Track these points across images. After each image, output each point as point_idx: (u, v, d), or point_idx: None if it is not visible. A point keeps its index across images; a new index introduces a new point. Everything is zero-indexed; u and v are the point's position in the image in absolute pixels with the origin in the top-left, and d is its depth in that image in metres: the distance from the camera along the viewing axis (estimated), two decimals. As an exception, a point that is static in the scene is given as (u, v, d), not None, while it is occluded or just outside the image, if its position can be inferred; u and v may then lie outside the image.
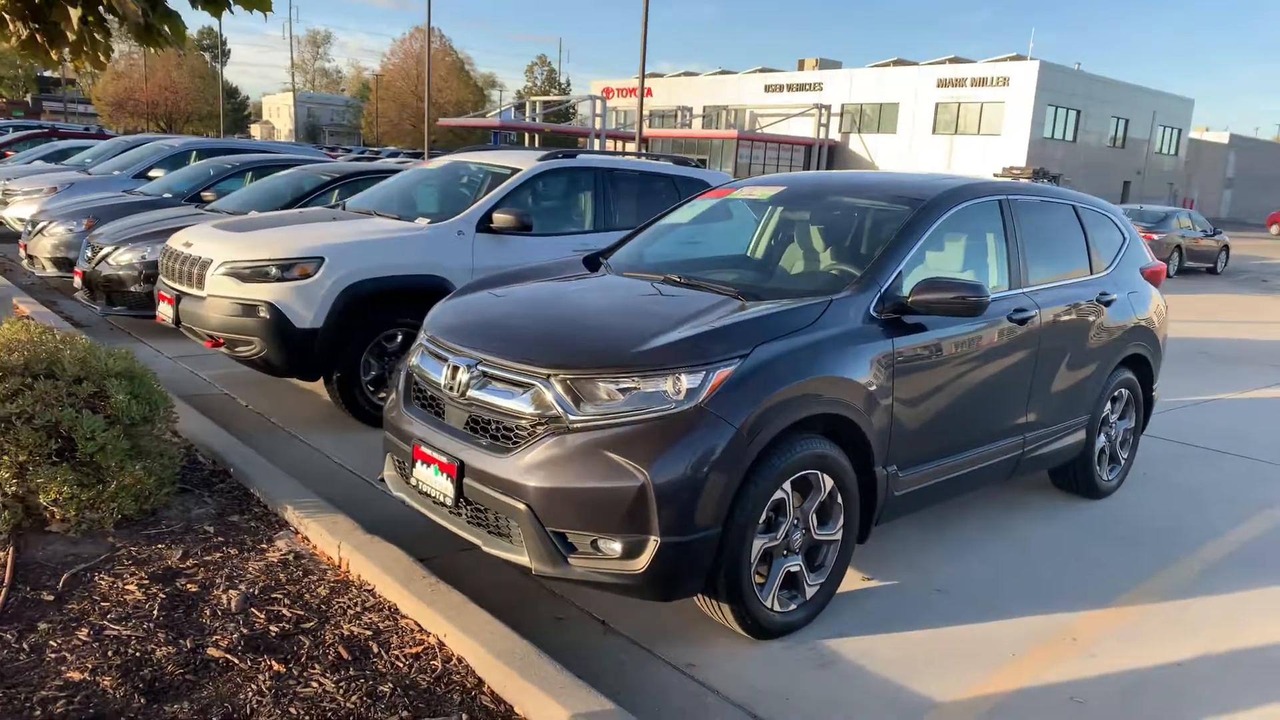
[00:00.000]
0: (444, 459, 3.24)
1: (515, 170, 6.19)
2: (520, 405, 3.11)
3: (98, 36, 2.92)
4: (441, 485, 3.27)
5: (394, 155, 36.54)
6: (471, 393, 3.25)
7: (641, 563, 2.92)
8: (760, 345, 3.14)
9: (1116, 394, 5.00)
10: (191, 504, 3.98)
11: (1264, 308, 15.41)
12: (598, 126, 46.94)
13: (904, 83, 46.69)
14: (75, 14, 2.92)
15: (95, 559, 3.40)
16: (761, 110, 51.14)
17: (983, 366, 3.97)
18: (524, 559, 3.05)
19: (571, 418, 3.01)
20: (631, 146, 46.00)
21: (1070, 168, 43.30)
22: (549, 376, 3.08)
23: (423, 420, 3.45)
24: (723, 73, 55.85)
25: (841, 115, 48.79)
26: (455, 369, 3.31)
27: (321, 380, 5.54)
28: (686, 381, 3.00)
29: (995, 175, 37.04)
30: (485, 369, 3.24)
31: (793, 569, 3.31)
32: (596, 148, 40.45)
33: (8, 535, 3.43)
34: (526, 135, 49.88)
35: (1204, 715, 3.00)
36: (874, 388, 3.43)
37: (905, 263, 3.70)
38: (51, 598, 3.09)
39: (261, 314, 5.15)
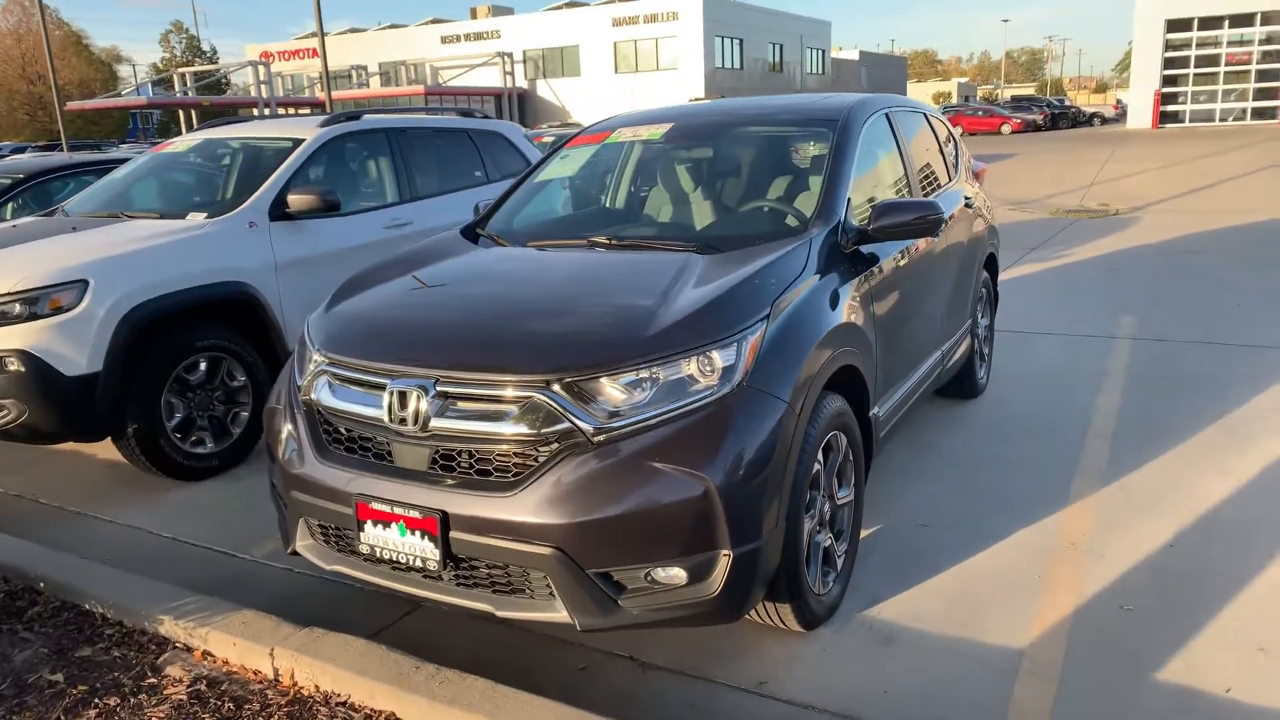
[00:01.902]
0: (414, 514, 2.49)
1: (298, 141, 5.14)
2: (513, 427, 2.44)
3: None
4: (415, 546, 2.52)
5: (20, 150, 30.88)
6: (437, 422, 2.51)
7: (714, 584, 2.42)
8: (775, 301, 2.70)
9: (981, 294, 5.14)
10: (6, 648, 2.85)
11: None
12: (265, 94, 42.77)
13: (580, 25, 46.92)
14: None
15: (-98, 774, 2.28)
16: (442, 63, 49.24)
17: (919, 285, 3.82)
18: (561, 615, 2.43)
19: (591, 429, 2.40)
20: (305, 113, 42.51)
21: (743, 94, 46.13)
22: (549, 383, 2.43)
23: (358, 468, 2.65)
24: (394, 26, 52.87)
25: (525, 62, 48.21)
26: (403, 395, 2.54)
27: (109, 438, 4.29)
28: (720, 359, 2.49)
29: (683, 107, 38.49)
30: (451, 389, 2.51)
31: (825, 544, 2.96)
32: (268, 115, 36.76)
33: None
34: (181, 112, 44.31)
35: (1231, 586, 3.07)
36: (864, 328, 3.13)
37: (849, 188, 3.41)
38: None
39: (12, 367, 3.84)
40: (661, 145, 3.96)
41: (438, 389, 2.52)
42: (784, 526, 2.55)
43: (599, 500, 2.35)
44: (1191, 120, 33.33)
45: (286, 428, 2.89)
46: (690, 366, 2.48)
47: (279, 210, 4.78)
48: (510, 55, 47.74)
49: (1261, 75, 32.00)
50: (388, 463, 2.62)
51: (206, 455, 4.44)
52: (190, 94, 45.81)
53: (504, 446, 2.45)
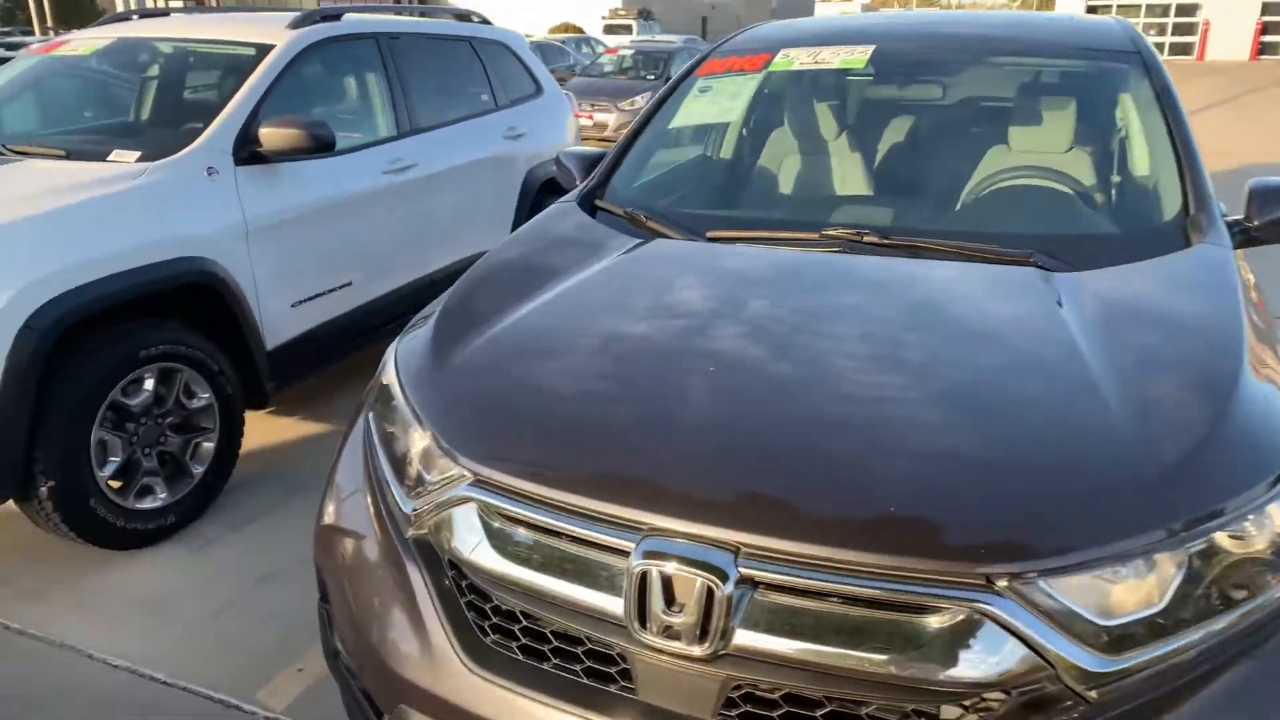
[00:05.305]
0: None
1: (263, 49, 3.61)
2: (913, 665, 1.24)
3: None
4: None
5: None
6: (744, 636, 1.29)
7: None
8: (1290, 382, 1.56)
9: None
10: None
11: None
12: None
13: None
14: None
15: None
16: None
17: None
18: None
19: (1087, 672, 1.22)
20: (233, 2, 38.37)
21: (660, 5, 43.82)
22: (989, 580, 1.24)
23: (556, 696, 1.39)
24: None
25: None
26: (668, 580, 1.30)
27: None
28: (1281, 517, 1.34)
29: (603, 19, 36.38)
30: (771, 572, 1.29)
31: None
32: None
33: None
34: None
35: None
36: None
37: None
38: None
39: None
40: (867, 78, 2.67)
41: (742, 569, 1.29)
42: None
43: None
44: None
45: (380, 582, 1.60)
46: (1226, 540, 1.32)
47: (248, 149, 3.31)
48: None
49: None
50: (622, 691, 1.38)
51: (157, 511, 3.05)
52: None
53: (891, 699, 1.26)
